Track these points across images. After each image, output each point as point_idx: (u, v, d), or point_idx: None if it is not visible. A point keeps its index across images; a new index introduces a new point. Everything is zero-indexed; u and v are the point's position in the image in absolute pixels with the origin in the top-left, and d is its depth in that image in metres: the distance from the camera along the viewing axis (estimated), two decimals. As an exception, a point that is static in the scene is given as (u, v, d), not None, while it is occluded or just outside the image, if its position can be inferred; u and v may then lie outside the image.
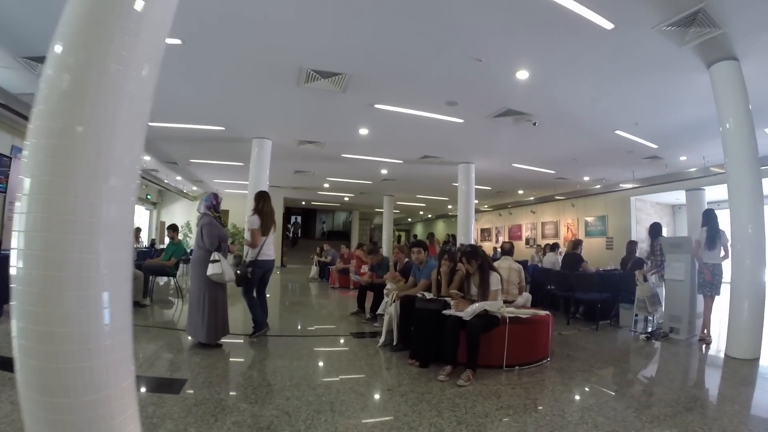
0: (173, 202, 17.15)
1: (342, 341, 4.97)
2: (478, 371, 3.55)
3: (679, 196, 11.63)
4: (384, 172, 11.98)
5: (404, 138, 8.31)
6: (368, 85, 5.70)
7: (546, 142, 8.34)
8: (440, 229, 23.72)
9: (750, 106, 4.59)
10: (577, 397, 3.24)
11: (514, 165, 10.56)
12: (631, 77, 5.27)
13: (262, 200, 4.74)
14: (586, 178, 12.40)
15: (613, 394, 3.30)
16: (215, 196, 4.52)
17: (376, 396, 3.17)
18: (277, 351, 4.34)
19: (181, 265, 8.21)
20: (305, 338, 5.12)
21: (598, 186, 12.79)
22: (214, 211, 4.43)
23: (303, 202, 22.50)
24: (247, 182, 8.82)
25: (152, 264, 7.38)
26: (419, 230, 28.62)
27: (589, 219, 14.02)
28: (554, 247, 9.42)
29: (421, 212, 25.44)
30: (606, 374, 3.95)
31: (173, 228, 8.01)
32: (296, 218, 28.10)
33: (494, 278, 3.93)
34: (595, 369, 3.99)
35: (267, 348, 4.44)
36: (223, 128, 7.86)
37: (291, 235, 24.71)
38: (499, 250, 9.39)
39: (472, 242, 9.71)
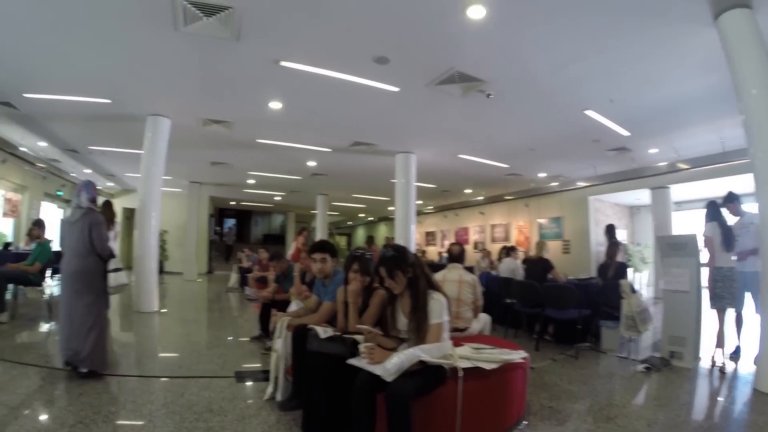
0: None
1: (220, 387, 3.38)
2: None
3: (639, 196, 11.04)
4: (312, 164, 10.49)
5: (328, 116, 6.90)
6: (266, 28, 4.26)
7: (501, 124, 7.17)
8: (382, 233, 22.18)
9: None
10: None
11: (460, 156, 9.25)
12: (615, 29, 4.15)
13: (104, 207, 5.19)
14: (542, 175, 11.50)
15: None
16: (94, 185, 3.73)
17: None
18: (121, 401, 3.06)
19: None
20: (172, 380, 3.60)
21: (555, 184, 12.06)
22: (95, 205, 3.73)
23: (232, 202, 20.82)
24: (169, 177, 7.93)
25: (8, 270, 5.69)
26: (360, 234, 26.85)
27: (542, 221, 13.21)
28: (511, 251, 8.23)
29: (362, 214, 23.80)
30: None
31: (38, 224, 6.18)
32: (231, 222, 25.52)
33: (436, 303, 2.42)
34: None
35: (106, 395, 3.13)
36: (109, 101, 6.35)
37: (221, 239, 20.42)
38: (445, 256, 7.52)
39: (405, 245, 7.64)
